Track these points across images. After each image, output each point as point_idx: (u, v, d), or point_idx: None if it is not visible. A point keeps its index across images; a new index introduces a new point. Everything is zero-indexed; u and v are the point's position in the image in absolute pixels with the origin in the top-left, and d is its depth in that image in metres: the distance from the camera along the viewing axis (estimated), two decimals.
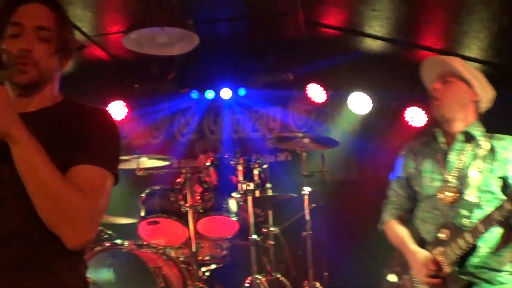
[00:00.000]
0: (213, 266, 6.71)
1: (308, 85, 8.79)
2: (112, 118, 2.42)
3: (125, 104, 9.15)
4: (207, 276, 6.58)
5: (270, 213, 6.91)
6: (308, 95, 8.82)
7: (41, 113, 2.36)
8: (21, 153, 2.08)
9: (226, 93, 9.03)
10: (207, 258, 6.52)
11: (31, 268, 2.17)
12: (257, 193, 6.35)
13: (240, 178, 6.22)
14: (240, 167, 6.22)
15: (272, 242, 6.78)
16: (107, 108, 2.55)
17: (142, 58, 7.70)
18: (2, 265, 2.15)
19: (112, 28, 7.56)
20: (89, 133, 2.29)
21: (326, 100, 8.84)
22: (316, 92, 8.81)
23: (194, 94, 9.12)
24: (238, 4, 7.52)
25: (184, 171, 6.22)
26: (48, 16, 2.33)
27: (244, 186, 6.18)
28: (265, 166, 6.42)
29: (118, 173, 2.39)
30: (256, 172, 6.25)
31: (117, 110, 9.03)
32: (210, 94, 9.14)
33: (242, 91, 9.10)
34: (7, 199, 2.16)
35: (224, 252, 6.56)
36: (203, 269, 6.54)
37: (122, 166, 6.39)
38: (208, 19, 7.60)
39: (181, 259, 6.44)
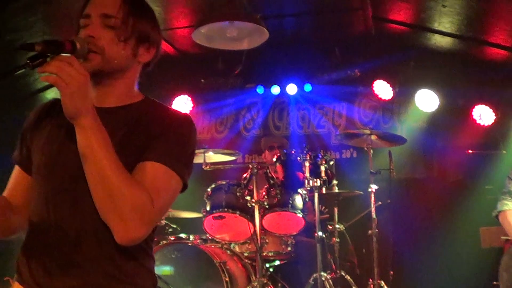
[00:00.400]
0: (277, 262, 6.71)
1: (374, 82, 8.73)
2: (193, 127, 2.36)
3: (190, 98, 9.20)
4: (271, 272, 6.57)
5: (335, 210, 6.86)
6: (375, 92, 8.76)
7: (119, 110, 2.33)
8: (85, 139, 2.06)
9: (292, 89, 9.01)
10: (271, 254, 6.51)
11: (101, 264, 2.18)
12: (324, 190, 6.29)
13: (307, 174, 6.15)
14: (307, 163, 6.16)
15: (337, 240, 6.74)
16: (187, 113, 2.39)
17: (209, 53, 7.74)
18: (74, 261, 2.16)
19: (179, 22, 7.58)
20: (166, 134, 2.24)
21: (392, 97, 8.77)
22: (382, 89, 8.74)
23: (260, 90, 9.12)
24: (306, 0, 7.47)
25: (250, 166, 6.21)
26: (114, 4, 2.30)
27: (311, 183, 6.12)
28: (332, 162, 6.35)
29: (187, 181, 2.30)
30: (323, 168, 6.18)
31: (183, 104, 9.10)
32: (276, 90, 9.12)
33: (308, 87, 9.04)
34: (80, 195, 2.16)
35: (289, 249, 6.52)
36: (267, 265, 6.52)
37: None
38: (275, 14, 7.58)
39: (245, 254, 6.46)
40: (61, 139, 2.24)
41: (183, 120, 2.34)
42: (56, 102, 2.37)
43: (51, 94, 8.73)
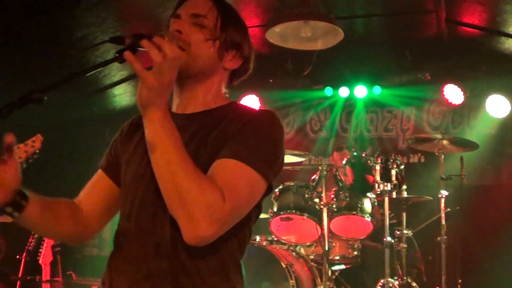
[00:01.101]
0: (342, 267, 6.63)
1: (445, 86, 8.61)
2: (275, 121, 2.19)
3: (258, 98, 9.19)
4: (336, 276, 6.50)
5: (403, 215, 6.74)
6: (445, 96, 8.64)
7: (201, 114, 2.26)
8: (153, 132, 1.99)
9: (360, 91, 8.95)
10: (337, 258, 6.47)
11: (179, 277, 2.09)
12: (394, 194, 6.20)
13: (377, 178, 6.08)
14: (378, 167, 6.09)
15: (404, 246, 6.61)
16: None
17: (278, 53, 7.71)
18: (153, 274, 2.10)
19: (250, 21, 7.55)
20: (243, 131, 2.11)
21: (463, 102, 8.63)
22: (453, 93, 8.65)
23: (328, 91, 9.08)
24: (377, 1, 7.38)
25: (320, 168, 6.16)
26: (204, 5, 2.26)
27: (381, 186, 6.03)
28: (402, 166, 6.26)
29: (271, 181, 2.15)
30: (393, 172, 6.12)
31: (250, 104, 9.05)
32: (344, 92, 9.05)
33: (377, 89, 8.97)
34: (161, 207, 2.06)
35: (355, 253, 6.47)
36: (332, 268, 6.44)
37: None
38: (346, 15, 7.51)
39: (311, 257, 6.41)
40: (145, 151, 2.13)
41: (264, 115, 2.19)
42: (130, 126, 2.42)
43: (119, 90, 8.82)
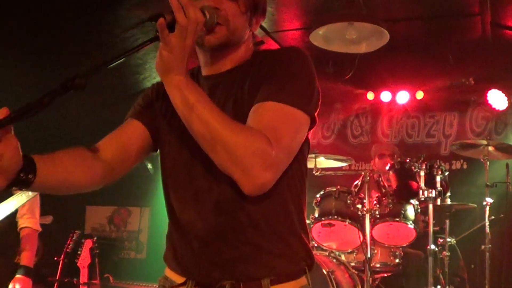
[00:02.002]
0: (383, 274, 6.52)
1: (489, 91, 8.45)
2: (302, 55, 2.19)
3: None
4: (377, 284, 6.40)
5: (447, 222, 6.61)
6: (489, 101, 8.47)
7: (232, 71, 2.27)
8: (181, 97, 1.98)
9: (402, 96, 8.84)
10: (378, 265, 6.39)
11: (253, 231, 2.13)
12: (438, 201, 6.09)
13: (422, 184, 5.95)
14: (422, 173, 5.96)
15: (447, 254, 6.48)
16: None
17: (319, 56, 7.62)
18: (217, 232, 2.13)
19: (291, 24, 7.50)
20: (274, 72, 2.11)
21: (507, 107, 8.46)
22: (497, 98, 8.48)
23: (370, 96, 8.99)
24: (419, 4, 7.25)
25: (363, 173, 6.08)
26: None
27: (425, 193, 5.90)
28: (447, 173, 6.14)
29: (314, 114, 2.14)
30: (438, 179, 5.99)
31: None
32: (386, 96, 8.96)
33: (419, 94, 8.86)
34: (213, 164, 2.04)
35: (397, 261, 6.39)
36: (373, 276, 6.33)
37: None
38: (387, 18, 7.39)
39: (352, 264, 6.31)
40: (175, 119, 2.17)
41: (291, 52, 2.20)
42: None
43: None
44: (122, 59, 1.88)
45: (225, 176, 2.01)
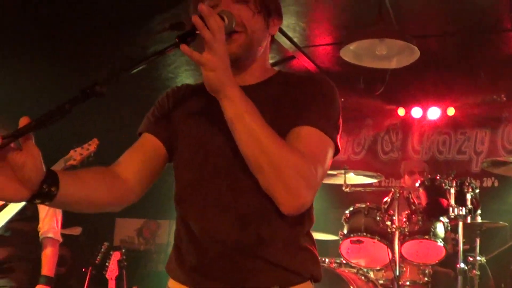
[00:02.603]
0: None
1: None
2: (332, 85, 2.27)
3: None
4: None
5: (477, 241, 6.53)
6: None
7: (259, 86, 2.29)
8: (234, 110, 1.98)
9: (433, 112, 8.79)
10: (407, 283, 6.28)
11: (271, 246, 2.14)
12: (468, 219, 6.01)
13: (452, 201, 5.88)
14: (452, 190, 5.90)
15: (477, 273, 6.39)
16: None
17: (350, 72, 7.64)
18: (239, 245, 2.13)
19: (323, 39, 7.51)
20: (310, 98, 2.19)
21: None
22: None
23: (401, 111, 8.95)
24: (451, 20, 7.21)
25: (393, 190, 6.03)
26: None
27: (456, 211, 5.84)
28: (477, 190, 6.07)
29: (338, 144, 2.22)
30: (469, 196, 5.92)
31: None
32: (417, 112, 8.91)
33: (450, 111, 8.80)
34: (238, 179, 2.12)
35: (426, 279, 6.28)
36: None
37: (328, 180, 6.34)
38: (419, 34, 7.36)
39: (380, 282, 6.25)
40: (209, 124, 2.21)
41: (327, 83, 2.28)
42: (189, 87, 2.41)
43: None
44: (141, 67, 1.89)
45: (252, 190, 2.07)
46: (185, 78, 8.33)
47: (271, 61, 7.65)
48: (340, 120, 2.25)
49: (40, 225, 5.21)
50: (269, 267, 2.13)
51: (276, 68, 2.42)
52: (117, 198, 2.21)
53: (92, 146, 4.94)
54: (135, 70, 1.86)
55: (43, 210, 5.09)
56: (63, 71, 7.48)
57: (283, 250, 2.14)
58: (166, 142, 2.31)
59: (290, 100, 2.20)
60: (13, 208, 4.98)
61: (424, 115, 8.95)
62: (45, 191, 1.86)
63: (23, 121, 1.69)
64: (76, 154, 4.88)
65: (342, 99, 7.84)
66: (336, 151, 2.22)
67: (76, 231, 8.18)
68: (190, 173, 2.23)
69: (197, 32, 1.92)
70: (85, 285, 7.19)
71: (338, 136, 2.21)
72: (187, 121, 2.28)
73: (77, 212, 2.15)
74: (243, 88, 2.08)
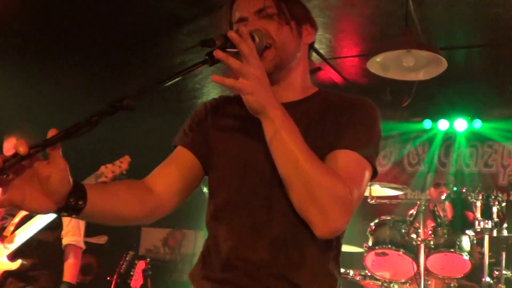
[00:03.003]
0: None
1: None
2: (377, 111, 2.27)
3: None
4: None
5: (503, 254, 6.47)
6: None
7: (299, 103, 2.29)
8: (273, 131, 1.98)
9: (460, 124, 8.77)
10: None
11: (298, 269, 2.13)
12: (494, 232, 5.95)
13: (478, 214, 5.84)
14: (478, 203, 5.85)
15: (503, 287, 6.33)
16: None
17: (377, 84, 7.63)
18: (270, 265, 2.12)
19: (349, 51, 7.51)
20: (353, 122, 2.18)
21: None
22: None
23: (427, 124, 8.93)
24: (479, 32, 7.18)
25: (418, 202, 6.01)
26: None
27: (481, 224, 5.80)
28: (504, 204, 6.02)
29: (377, 167, 2.22)
30: (495, 209, 5.86)
31: None
32: (443, 125, 8.89)
33: (477, 123, 8.75)
34: (275, 199, 2.13)
35: None
36: None
37: None
38: (446, 46, 7.34)
39: None
40: (248, 142, 2.21)
41: (369, 106, 2.27)
42: (228, 100, 2.40)
43: None
44: (169, 83, 1.88)
45: (287, 213, 2.07)
46: (212, 88, 8.37)
47: None
48: (380, 143, 2.25)
49: (63, 232, 5.26)
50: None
51: (316, 87, 2.40)
52: (148, 212, 2.20)
53: (124, 164, 4.90)
54: (161, 86, 1.86)
55: (67, 218, 5.13)
56: (90, 81, 7.57)
57: (310, 275, 2.13)
58: (201, 157, 2.31)
59: (332, 121, 2.20)
60: (42, 221, 5.04)
61: (451, 128, 8.92)
62: (72, 204, 1.85)
63: (51, 133, 1.69)
64: (108, 171, 4.85)
65: None
66: (374, 174, 2.22)
67: (102, 239, 8.23)
68: (227, 192, 2.23)
69: (228, 50, 1.92)
70: None
71: (376, 159, 2.21)
72: (225, 137, 2.28)
73: (103, 223, 2.15)
74: (284, 105, 2.08)
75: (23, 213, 5.16)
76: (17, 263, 5.07)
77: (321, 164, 2.02)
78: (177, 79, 1.91)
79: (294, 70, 2.31)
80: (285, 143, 1.97)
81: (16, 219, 5.17)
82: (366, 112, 2.24)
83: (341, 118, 2.19)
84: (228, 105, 2.36)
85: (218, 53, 1.88)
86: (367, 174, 2.15)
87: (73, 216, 1.90)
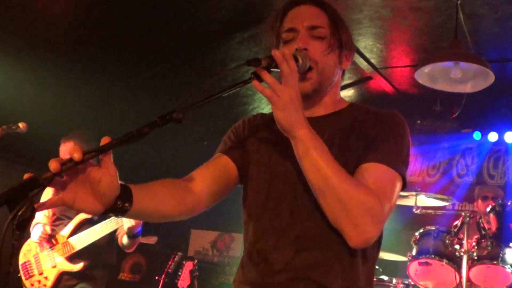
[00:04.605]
0: None
1: None
2: (406, 123, 2.34)
3: None
4: None
5: None
6: None
7: (329, 116, 2.38)
8: (303, 151, 2.08)
9: (510, 137, 8.66)
10: None
11: (319, 269, 2.19)
12: None
13: None
14: None
15: None
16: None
17: (427, 94, 7.62)
18: (293, 266, 2.20)
19: (401, 61, 7.53)
20: (383, 135, 2.26)
21: None
22: None
23: (477, 135, 8.89)
24: None
25: (463, 214, 6.02)
26: (319, 14, 2.34)
27: None
28: None
29: (406, 179, 2.28)
30: None
31: None
32: (493, 137, 8.84)
33: None
34: (299, 204, 2.23)
35: None
36: None
37: (399, 202, 6.37)
38: (498, 58, 7.31)
39: None
40: (277, 153, 2.32)
41: (397, 118, 2.34)
42: (263, 116, 2.52)
43: None
44: (217, 97, 2.00)
45: (310, 216, 2.19)
46: (262, 96, 8.46)
47: (348, 81, 7.73)
48: (409, 154, 2.31)
49: (117, 232, 5.42)
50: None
51: (347, 101, 2.49)
52: (186, 211, 2.30)
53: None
54: (208, 101, 1.97)
55: None
56: (142, 90, 7.69)
57: (335, 276, 2.19)
58: (239, 165, 2.43)
59: (360, 134, 2.28)
60: (101, 232, 5.22)
61: (500, 139, 8.84)
62: (119, 206, 1.97)
63: (104, 141, 1.80)
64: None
65: (418, 121, 7.88)
66: (404, 185, 2.28)
67: (152, 240, 8.38)
68: (257, 197, 2.34)
69: (273, 69, 2.04)
70: None
71: (406, 171, 2.28)
72: (259, 150, 2.39)
73: (146, 221, 2.27)
74: (313, 119, 2.19)
75: (82, 217, 5.36)
76: (79, 266, 5.30)
77: (350, 178, 2.10)
78: (223, 94, 2.04)
79: (328, 92, 2.40)
80: (313, 160, 2.06)
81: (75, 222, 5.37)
82: (395, 125, 2.31)
83: (370, 131, 2.27)
84: (263, 121, 2.48)
85: (255, 84, 2.01)
86: (398, 186, 2.23)
87: (119, 216, 2.04)
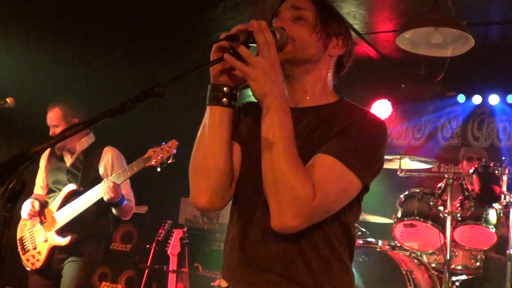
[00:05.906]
0: (463, 277, 6.51)
1: None
2: (383, 131, 2.24)
3: (390, 102, 9.17)
4: (457, 286, 6.40)
5: None
6: None
7: (311, 110, 2.33)
8: (268, 120, 2.09)
9: (494, 99, 8.77)
10: (459, 267, 6.38)
11: (282, 262, 2.21)
12: None
13: (504, 188, 5.94)
14: (504, 177, 5.95)
15: None
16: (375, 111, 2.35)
17: (411, 59, 7.62)
18: (259, 257, 2.24)
19: (383, 26, 7.55)
20: (348, 131, 2.16)
21: None
22: None
23: (461, 98, 8.95)
24: None
25: (446, 176, 6.11)
26: (303, 2, 2.35)
27: (507, 198, 5.90)
28: None
29: (368, 183, 2.19)
30: None
31: (382, 108, 9.07)
32: (477, 99, 8.91)
33: (510, 98, 8.76)
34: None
35: (478, 264, 6.36)
36: (454, 278, 6.36)
37: (385, 166, 6.46)
38: (480, 21, 7.34)
39: (432, 265, 6.38)
40: (258, 139, 2.20)
41: (374, 121, 2.23)
42: (254, 105, 2.45)
43: None
44: (198, 71, 2.02)
45: None
46: None
47: None
48: (376, 159, 2.20)
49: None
50: (282, 281, 2.21)
51: (338, 97, 2.43)
52: (224, 200, 2.33)
53: (172, 148, 5.00)
54: (188, 76, 1.99)
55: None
56: (126, 61, 7.70)
57: (301, 268, 2.20)
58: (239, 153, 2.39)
59: (327, 129, 2.21)
60: (85, 203, 5.23)
61: (484, 102, 8.92)
62: (234, 93, 2.22)
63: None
64: (156, 156, 4.98)
65: (403, 85, 7.93)
66: (364, 188, 2.20)
67: (143, 209, 8.48)
68: (239, 186, 2.33)
69: (251, 45, 2.08)
70: (149, 260, 7.46)
71: (369, 175, 2.17)
72: (247, 136, 2.37)
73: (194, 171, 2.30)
74: (293, 109, 2.17)
75: (68, 188, 5.39)
76: (67, 240, 5.28)
77: (297, 163, 2.06)
78: (204, 68, 2.10)
79: (310, 73, 2.35)
80: (272, 133, 2.06)
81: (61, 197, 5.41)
82: (369, 127, 2.21)
83: (336, 127, 2.19)
84: (252, 109, 2.44)
85: (226, 57, 2.06)
86: (345, 184, 2.13)
87: (224, 100, 2.21)
